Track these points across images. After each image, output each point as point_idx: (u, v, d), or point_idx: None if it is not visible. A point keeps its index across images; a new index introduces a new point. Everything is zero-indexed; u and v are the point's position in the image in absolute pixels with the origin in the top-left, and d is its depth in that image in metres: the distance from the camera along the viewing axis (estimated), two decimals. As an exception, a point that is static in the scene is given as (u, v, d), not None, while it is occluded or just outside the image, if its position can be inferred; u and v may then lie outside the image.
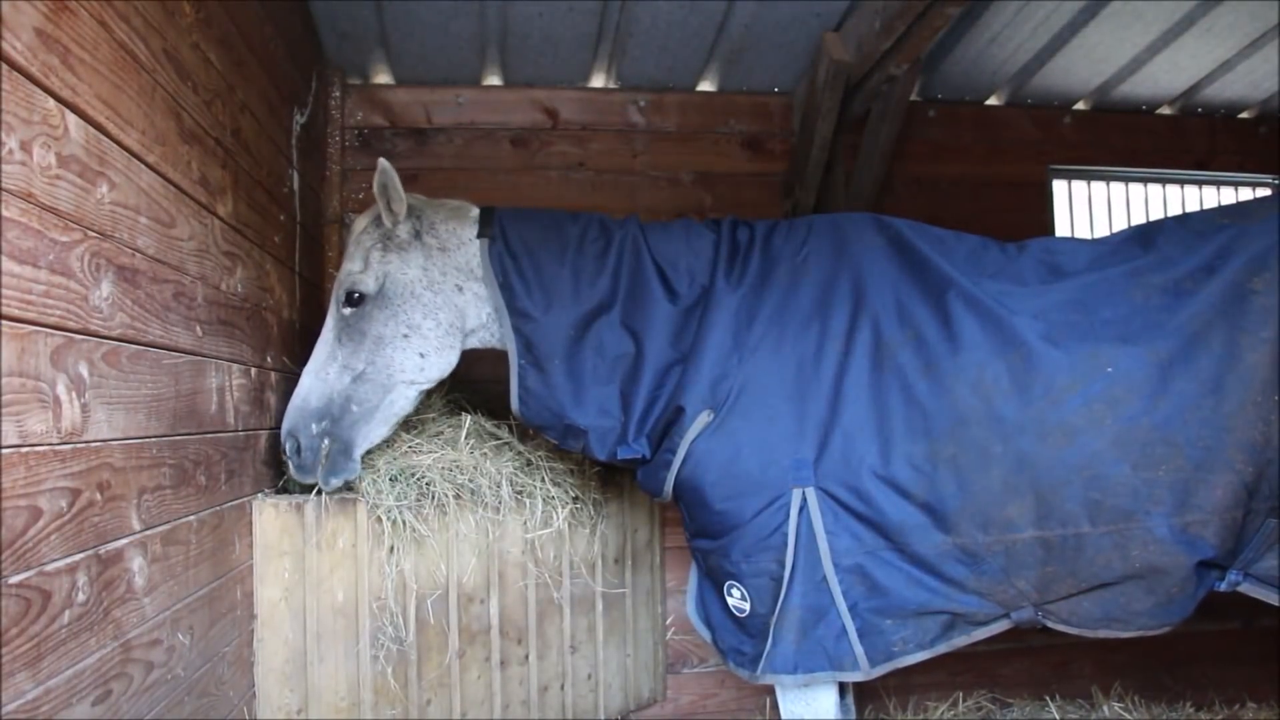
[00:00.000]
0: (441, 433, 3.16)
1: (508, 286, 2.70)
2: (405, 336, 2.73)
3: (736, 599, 2.58)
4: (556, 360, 2.67)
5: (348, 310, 2.74)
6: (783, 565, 2.46)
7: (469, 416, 3.22)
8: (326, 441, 2.69)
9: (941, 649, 2.54)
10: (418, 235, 2.79)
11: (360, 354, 2.71)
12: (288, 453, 2.72)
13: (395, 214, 2.76)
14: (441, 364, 2.79)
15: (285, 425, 2.71)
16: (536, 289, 2.70)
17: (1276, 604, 2.35)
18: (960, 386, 2.38)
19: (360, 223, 2.87)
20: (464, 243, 2.80)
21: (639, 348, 2.67)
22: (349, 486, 2.84)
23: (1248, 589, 2.36)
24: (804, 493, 2.46)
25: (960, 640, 2.55)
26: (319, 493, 2.78)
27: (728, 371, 2.58)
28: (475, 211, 2.86)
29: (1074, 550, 2.32)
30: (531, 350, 2.69)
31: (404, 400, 2.78)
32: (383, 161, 2.69)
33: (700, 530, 2.67)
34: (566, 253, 2.73)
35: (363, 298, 2.73)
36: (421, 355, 2.75)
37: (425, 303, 2.75)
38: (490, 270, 2.72)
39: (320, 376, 2.72)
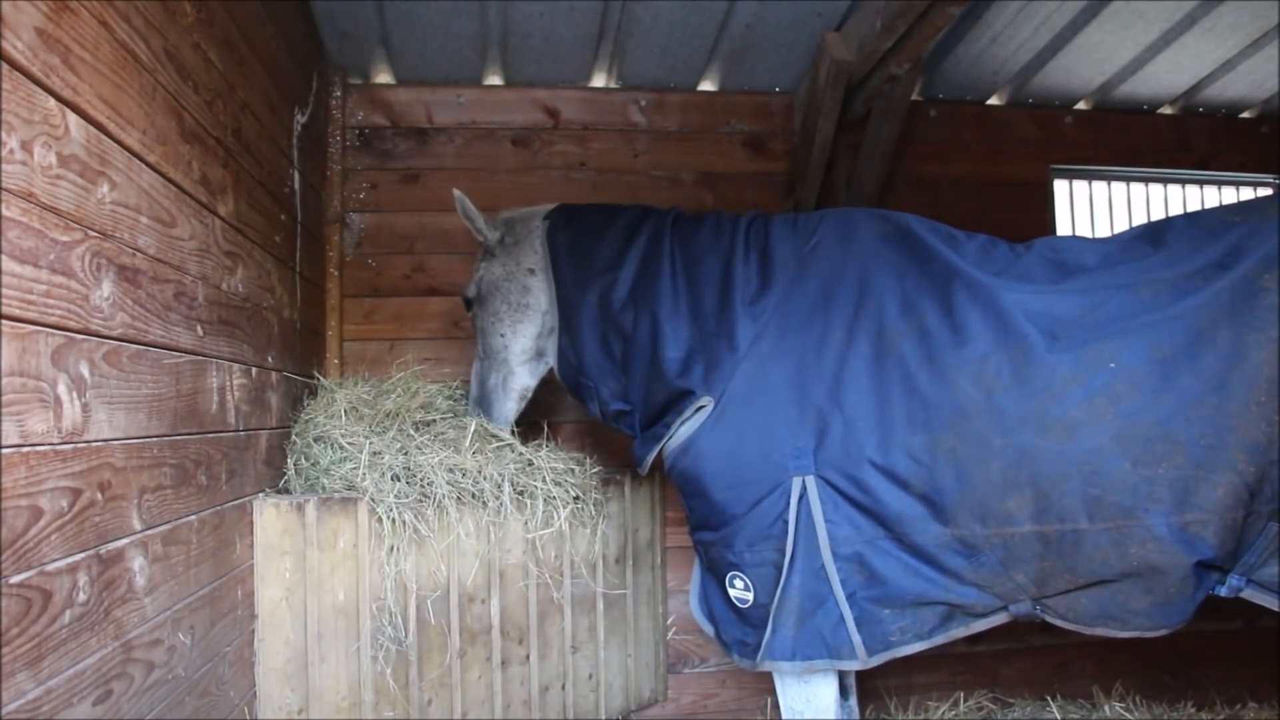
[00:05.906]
0: (444, 433, 3.17)
1: (556, 262, 3.05)
2: (493, 324, 3.22)
3: (739, 589, 2.59)
4: (585, 329, 2.94)
5: (470, 313, 3.35)
6: (784, 553, 2.47)
7: (473, 420, 3.23)
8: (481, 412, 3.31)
9: (939, 640, 2.55)
10: (502, 240, 3.23)
11: (479, 345, 3.33)
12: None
13: (480, 231, 3.24)
14: (522, 341, 3.19)
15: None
16: (573, 267, 3.00)
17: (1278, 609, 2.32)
18: (962, 379, 2.38)
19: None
20: (531, 231, 3.17)
21: (655, 329, 2.80)
22: (351, 486, 2.86)
23: (1251, 595, 2.32)
24: (804, 481, 2.47)
25: (958, 631, 2.55)
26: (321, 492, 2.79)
27: (733, 359, 2.63)
28: (549, 208, 3.24)
29: (1072, 546, 2.31)
30: (565, 318, 3.00)
31: (516, 377, 3.22)
32: (456, 191, 3.19)
33: (701, 522, 2.69)
34: (604, 238, 3.00)
35: (469, 303, 3.33)
36: (502, 336, 3.21)
37: (503, 291, 3.19)
38: (545, 249, 3.10)
39: (474, 366, 3.36)
